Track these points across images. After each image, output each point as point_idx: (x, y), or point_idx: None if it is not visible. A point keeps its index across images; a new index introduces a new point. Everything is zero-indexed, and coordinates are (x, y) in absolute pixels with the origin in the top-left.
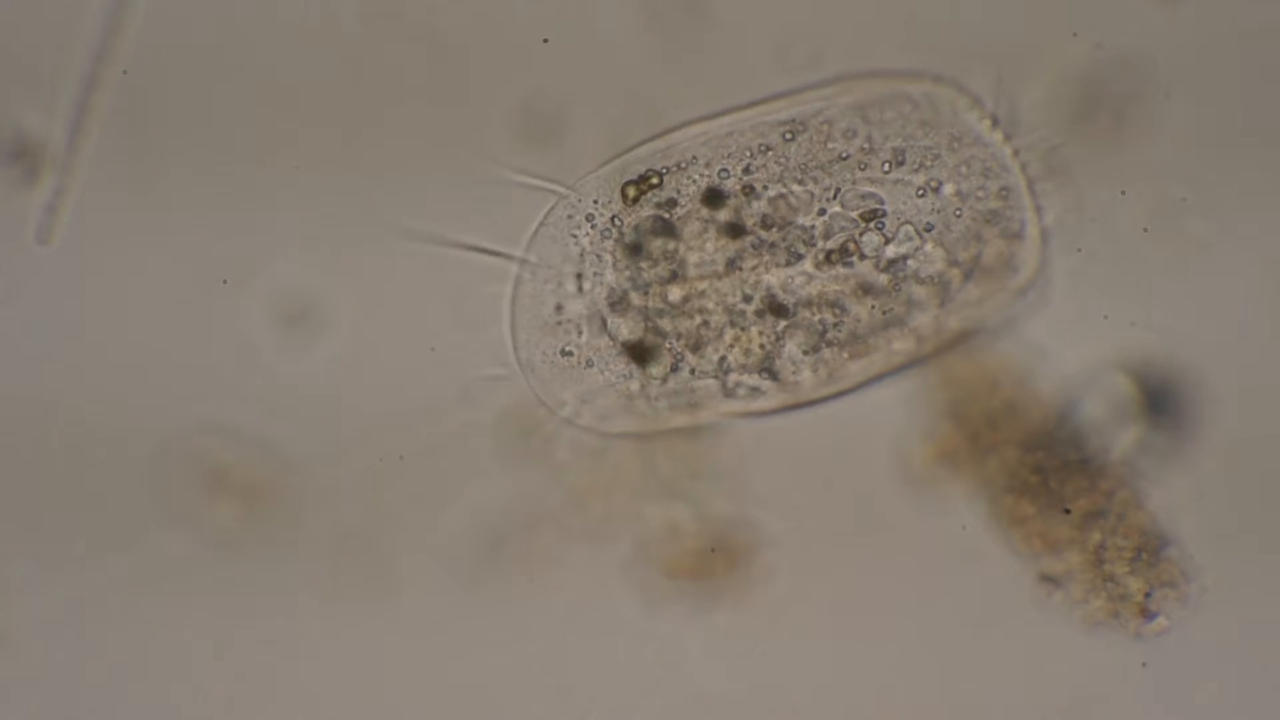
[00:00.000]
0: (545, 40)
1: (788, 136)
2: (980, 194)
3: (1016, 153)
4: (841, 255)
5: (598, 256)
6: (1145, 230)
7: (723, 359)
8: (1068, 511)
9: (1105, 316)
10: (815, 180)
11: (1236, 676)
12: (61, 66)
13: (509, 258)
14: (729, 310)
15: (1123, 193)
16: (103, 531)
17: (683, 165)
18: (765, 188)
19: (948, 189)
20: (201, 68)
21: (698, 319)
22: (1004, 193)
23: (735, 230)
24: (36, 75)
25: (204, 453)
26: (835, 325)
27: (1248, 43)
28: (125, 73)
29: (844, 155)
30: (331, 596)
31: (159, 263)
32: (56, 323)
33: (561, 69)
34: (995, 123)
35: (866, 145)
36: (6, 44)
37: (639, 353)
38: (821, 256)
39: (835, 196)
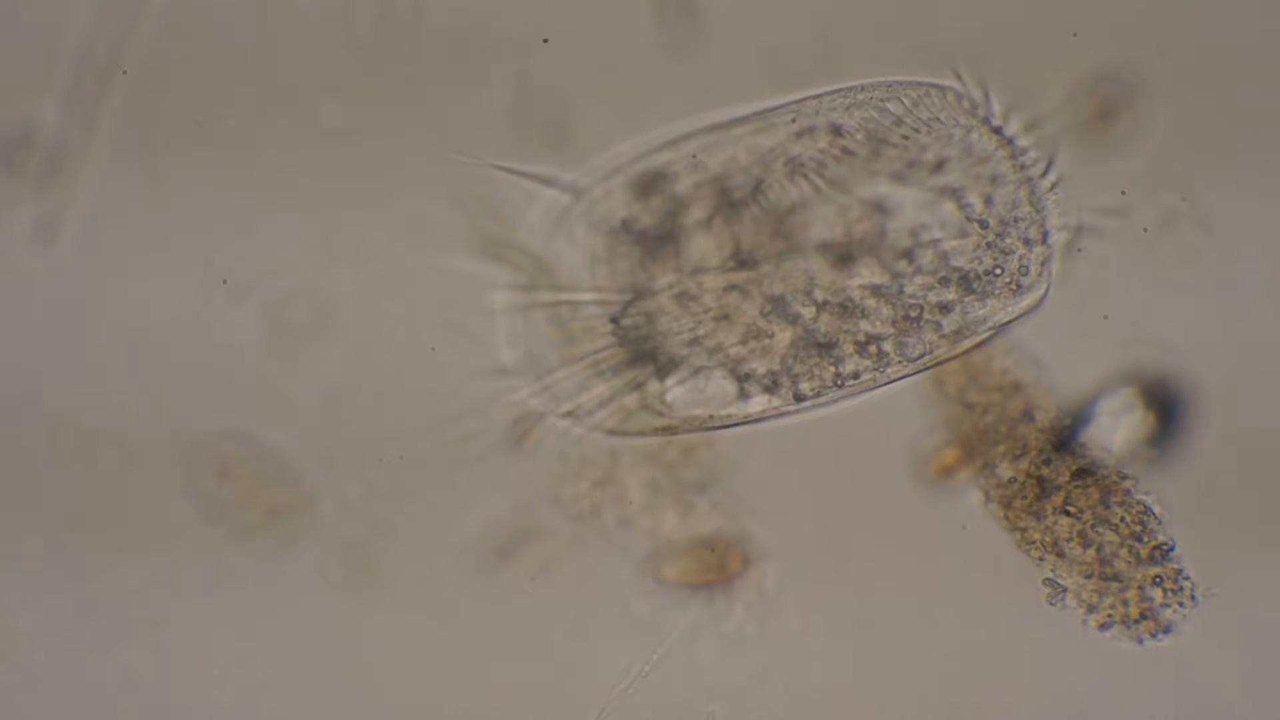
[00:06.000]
0: (545, 40)
1: (798, 135)
2: (994, 202)
3: (1019, 159)
4: (850, 259)
5: (608, 260)
6: (1145, 230)
7: (731, 360)
8: (1069, 513)
9: (1105, 317)
10: (825, 183)
11: (1237, 676)
12: (63, 66)
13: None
14: (740, 313)
15: (1123, 193)
16: (106, 533)
17: (692, 167)
18: (775, 190)
19: (961, 197)
20: (201, 67)
21: (708, 321)
22: (1014, 201)
23: (746, 232)
24: (37, 75)
25: (208, 455)
26: (847, 329)
27: (1247, 41)
28: (125, 73)
29: (854, 155)
30: (335, 598)
31: (160, 264)
32: (58, 325)
33: (563, 69)
34: (999, 130)
35: (876, 148)
36: (8, 43)
37: (646, 355)
38: (834, 260)
39: (847, 198)
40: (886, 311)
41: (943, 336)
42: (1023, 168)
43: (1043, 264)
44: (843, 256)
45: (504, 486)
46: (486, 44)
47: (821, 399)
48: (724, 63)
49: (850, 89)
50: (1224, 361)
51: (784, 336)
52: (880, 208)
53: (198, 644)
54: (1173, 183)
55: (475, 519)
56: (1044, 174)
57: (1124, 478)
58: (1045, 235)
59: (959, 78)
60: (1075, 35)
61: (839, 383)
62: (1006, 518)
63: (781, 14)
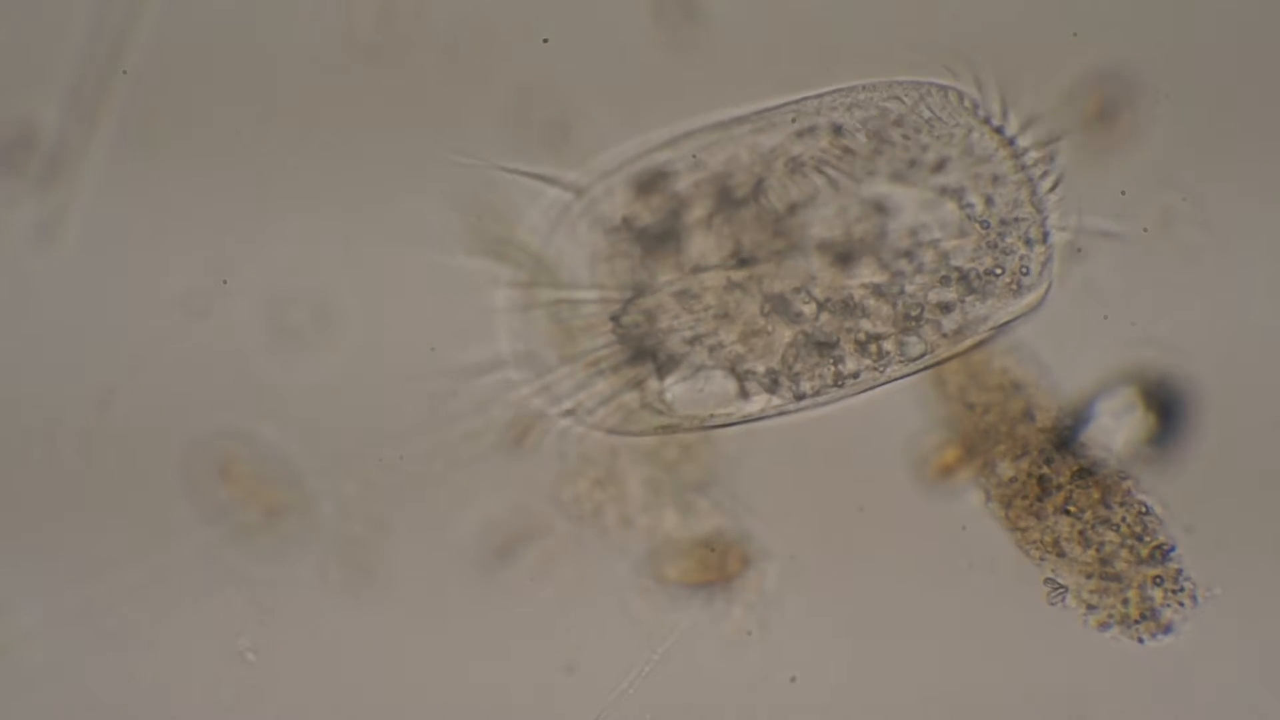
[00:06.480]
0: (545, 40)
1: (798, 135)
2: (994, 201)
3: (1020, 159)
4: (851, 258)
5: (609, 260)
6: (1145, 230)
7: (731, 358)
8: (1069, 513)
9: (1105, 317)
10: (827, 182)
11: (1237, 676)
12: (63, 66)
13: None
14: (740, 312)
15: (1123, 193)
16: (106, 534)
17: (693, 166)
18: (776, 188)
19: (962, 197)
20: (201, 67)
21: (708, 320)
22: (1015, 201)
23: (747, 231)
24: (37, 75)
25: (208, 455)
26: (848, 328)
27: (1246, 41)
28: (125, 72)
29: (857, 154)
30: (335, 599)
31: (160, 264)
32: (58, 324)
33: (563, 69)
34: (1000, 130)
35: (877, 149)
36: (8, 43)
37: (646, 353)
38: (834, 259)
39: (849, 198)
40: (887, 311)
41: (943, 336)
42: (1023, 167)
43: (1043, 264)
44: (843, 256)
45: (504, 486)
46: (487, 44)
47: (821, 398)
48: (724, 63)
49: (851, 88)
50: (1224, 361)
51: (784, 335)
52: (880, 207)
53: (198, 644)
54: (1173, 182)
55: (474, 519)
56: (1044, 174)
57: (1124, 478)
58: (1046, 235)
59: (958, 77)
60: (1075, 35)
61: (839, 382)
62: (1007, 517)
63: (781, 14)
